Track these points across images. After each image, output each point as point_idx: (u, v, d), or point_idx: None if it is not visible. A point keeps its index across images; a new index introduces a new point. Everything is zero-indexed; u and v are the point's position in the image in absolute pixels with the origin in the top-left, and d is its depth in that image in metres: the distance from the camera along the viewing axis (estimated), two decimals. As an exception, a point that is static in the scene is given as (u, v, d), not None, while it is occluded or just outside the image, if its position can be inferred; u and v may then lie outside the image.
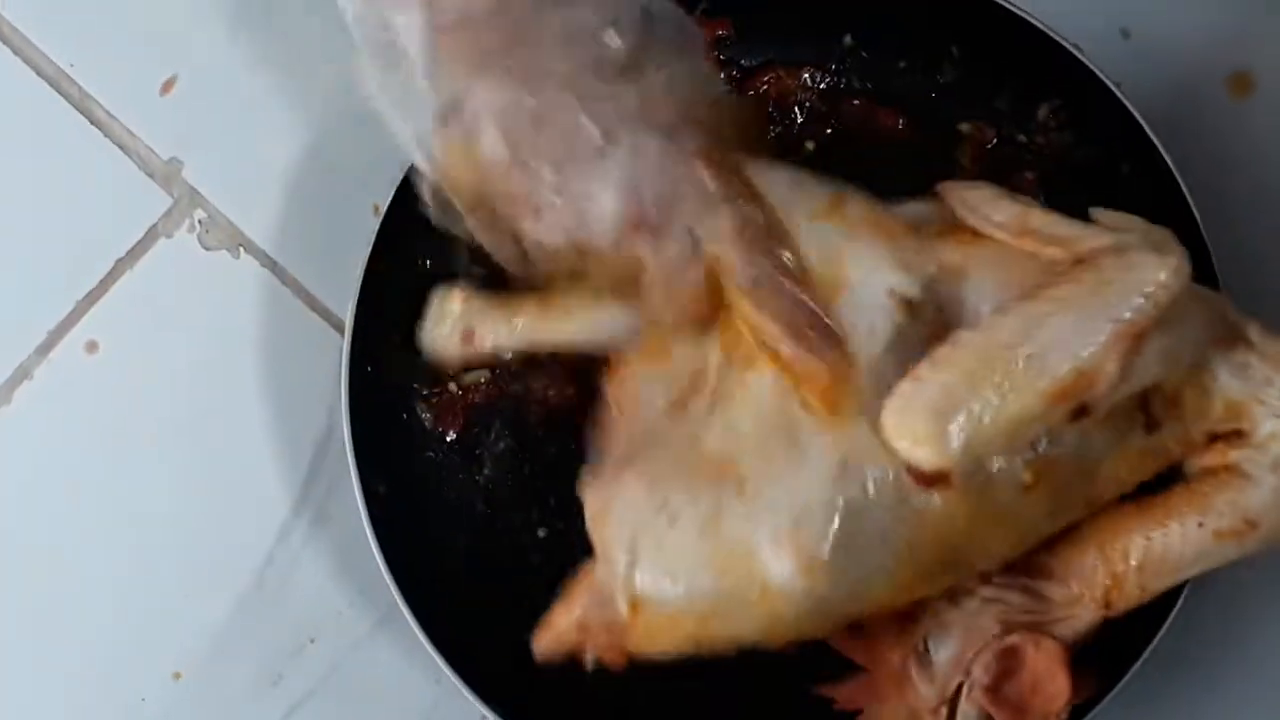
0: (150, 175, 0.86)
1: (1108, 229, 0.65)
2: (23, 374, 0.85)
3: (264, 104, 0.86)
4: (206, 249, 0.85)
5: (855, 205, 0.69)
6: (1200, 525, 0.67)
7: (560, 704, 0.73)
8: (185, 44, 0.86)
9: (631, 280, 0.69)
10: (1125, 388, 0.63)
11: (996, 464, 0.65)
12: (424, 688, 0.82)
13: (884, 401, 0.63)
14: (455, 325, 0.77)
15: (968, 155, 0.79)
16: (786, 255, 0.67)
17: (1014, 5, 0.76)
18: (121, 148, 0.86)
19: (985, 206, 0.68)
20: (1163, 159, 0.75)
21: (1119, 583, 0.67)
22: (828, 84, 0.80)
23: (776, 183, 0.69)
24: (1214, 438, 0.68)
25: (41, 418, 0.85)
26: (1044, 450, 0.65)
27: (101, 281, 0.85)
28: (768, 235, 0.67)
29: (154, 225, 0.85)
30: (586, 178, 0.66)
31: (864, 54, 0.80)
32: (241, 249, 0.85)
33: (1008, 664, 0.67)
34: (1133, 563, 0.67)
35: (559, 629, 0.70)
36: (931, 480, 0.64)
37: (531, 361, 0.79)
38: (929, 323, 0.66)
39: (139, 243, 0.85)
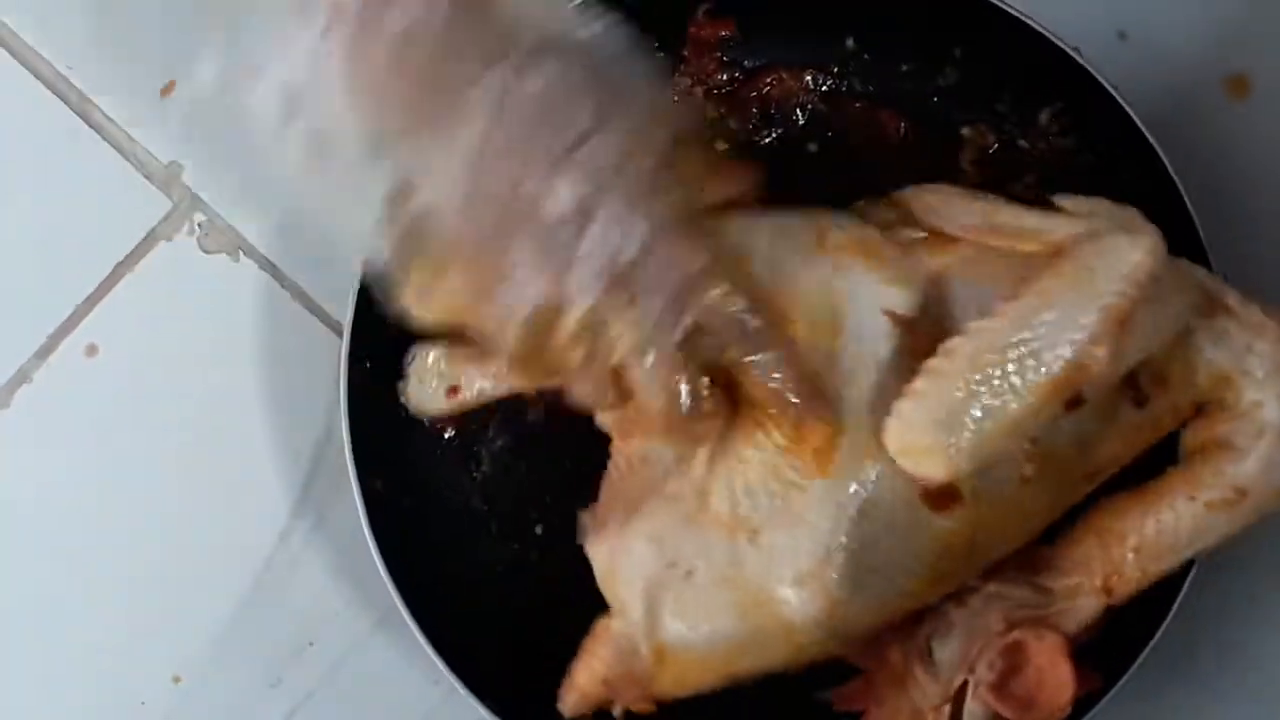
0: (150, 179, 0.86)
1: (1076, 216, 0.66)
2: (22, 377, 0.85)
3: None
4: (206, 252, 0.85)
5: (836, 233, 0.69)
6: (1192, 499, 0.67)
7: (554, 704, 0.72)
8: (184, 47, 0.86)
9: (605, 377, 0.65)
10: (1116, 371, 0.64)
11: (998, 464, 0.65)
12: (423, 688, 0.82)
13: (886, 422, 0.63)
14: (439, 383, 0.78)
15: (969, 159, 0.79)
16: (762, 319, 0.65)
17: (1013, 8, 0.76)
18: (121, 151, 0.86)
19: (948, 209, 0.69)
20: (1161, 161, 0.75)
21: (1118, 568, 0.68)
22: (829, 86, 0.80)
23: (760, 235, 0.68)
24: (1202, 406, 0.68)
25: (41, 421, 0.84)
26: (1041, 442, 0.66)
27: (101, 285, 0.85)
28: (749, 303, 0.64)
29: (154, 229, 0.85)
30: (558, 254, 0.61)
31: (866, 56, 0.80)
32: (241, 252, 0.85)
33: (1012, 660, 0.67)
34: (1130, 546, 0.67)
35: (584, 687, 0.70)
36: (944, 502, 0.65)
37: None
38: (926, 334, 0.66)
39: (138, 246, 0.85)
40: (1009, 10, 0.76)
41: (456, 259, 0.63)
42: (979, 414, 0.62)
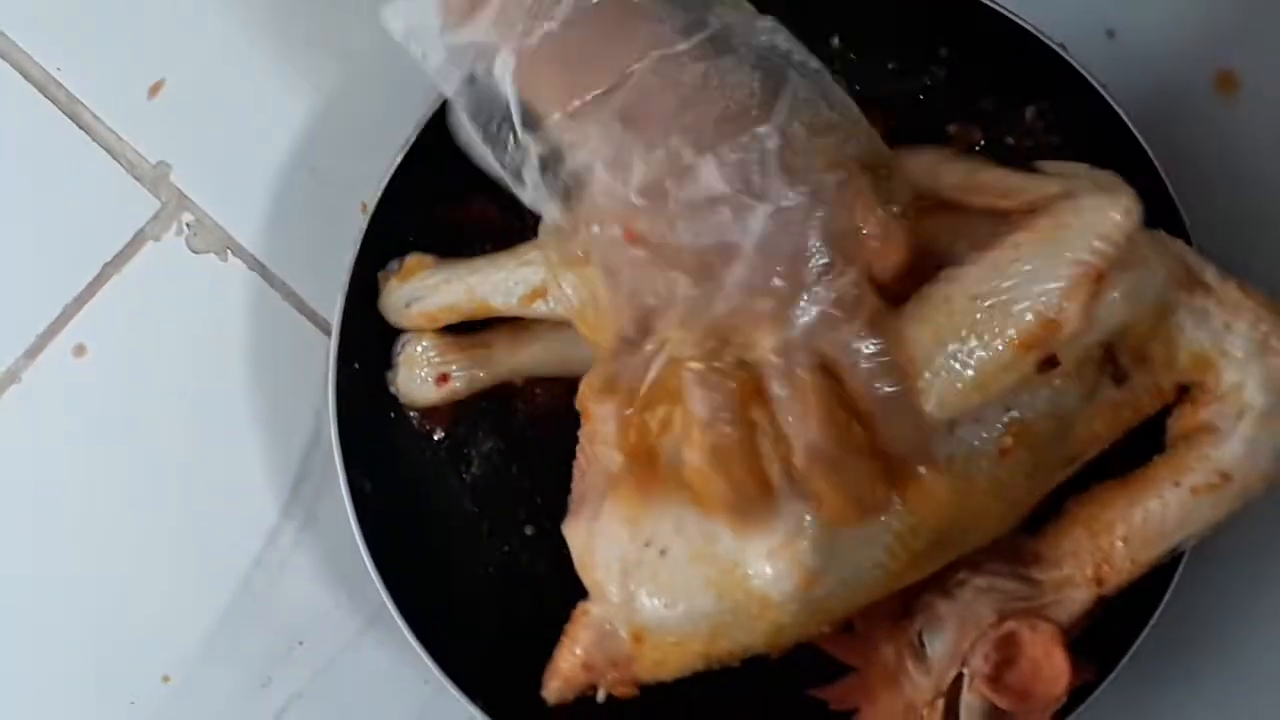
0: (138, 179, 0.86)
1: (1056, 176, 0.66)
2: (10, 377, 0.84)
3: (252, 108, 0.86)
4: (194, 252, 0.85)
5: None
6: (1177, 485, 0.67)
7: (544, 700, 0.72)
8: (173, 47, 0.86)
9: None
10: (1091, 335, 0.64)
11: (974, 436, 0.65)
12: (413, 688, 0.82)
13: None
14: (428, 372, 0.78)
15: (955, 156, 0.79)
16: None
17: (1001, 6, 0.76)
18: (109, 151, 0.86)
19: (936, 170, 0.68)
20: (1149, 158, 0.75)
21: (1108, 557, 0.67)
22: (816, 84, 0.80)
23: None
24: (1183, 388, 0.68)
25: (29, 421, 0.84)
26: (1019, 413, 0.65)
27: (89, 285, 0.85)
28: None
29: (142, 229, 0.85)
30: (714, 238, 0.60)
31: (852, 55, 0.80)
32: (229, 252, 0.85)
33: (1006, 652, 0.67)
34: (1119, 535, 0.67)
35: (565, 672, 0.70)
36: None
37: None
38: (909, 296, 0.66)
39: (127, 246, 0.85)
40: (996, 8, 0.76)
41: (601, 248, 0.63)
42: (948, 363, 0.62)
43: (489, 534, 0.81)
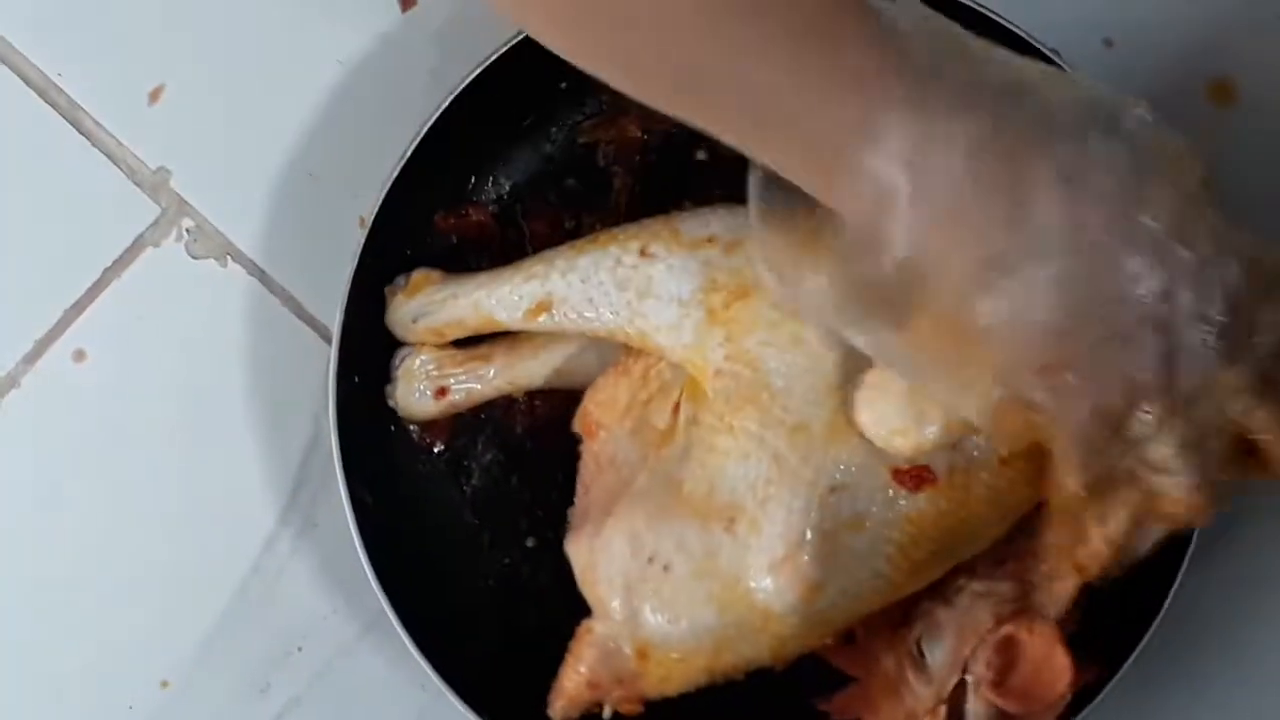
0: (138, 184, 0.86)
1: None
2: (10, 383, 0.84)
3: (252, 113, 0.86)
4: (194, 258, 0.85)
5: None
6: None
7: (545, 710, 0.72)
8: (173, 53, 0.86)
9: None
10: None
11: (975, 446, 0.66)
12: (410, 694, 0.81)
13: (855, 397, 0.63)
14: (427, 385, 0.78)
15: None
16: None
17: (997, 14, 0.76)
18: (109, 157, 0.86)
19: None
20: (1146, 167, 0.75)
21: (1081, 539, 0.67)
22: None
23: None
24: None
25: (29, 427, 0.84)
26: None
27: (89, 290, 0.85)
28: None
29: (142, 234, 0.85)
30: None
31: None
32: (229, 258, 0.85)
33: (1007, 656, 0.68)
34: (1090, 518, 0.67)
35: (571, 691, 0.70)
36: (917, 482, 0.64)
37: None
38: None
39: (127, 251, 0.85)
40: (993, 16, 0.76)
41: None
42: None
43: (490, 546, 0.81)
